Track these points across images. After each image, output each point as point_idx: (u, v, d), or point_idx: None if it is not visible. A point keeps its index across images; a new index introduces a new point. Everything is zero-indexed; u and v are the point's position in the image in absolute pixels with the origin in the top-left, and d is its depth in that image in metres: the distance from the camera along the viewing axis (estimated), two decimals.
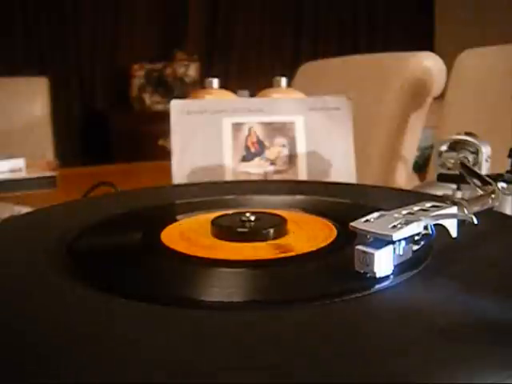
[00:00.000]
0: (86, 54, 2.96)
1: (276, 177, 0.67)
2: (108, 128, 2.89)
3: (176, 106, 0.67)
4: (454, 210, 0.32)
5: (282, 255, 0.33)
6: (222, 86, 0.77)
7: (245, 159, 0.67)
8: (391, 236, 0.28)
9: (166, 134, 0.69)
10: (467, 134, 0.52)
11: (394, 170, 1.03)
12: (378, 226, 0.29)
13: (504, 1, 2.91)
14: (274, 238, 0.35)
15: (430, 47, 3.04)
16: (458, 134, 0.52)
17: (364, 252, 0.28)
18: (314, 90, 0.85)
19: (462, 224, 0.32)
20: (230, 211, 0.39)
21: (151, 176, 1.15)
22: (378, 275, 0.28)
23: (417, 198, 0.34)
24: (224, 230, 0.36)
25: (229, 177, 0.66)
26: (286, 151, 0.67)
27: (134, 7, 3.02)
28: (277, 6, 3.29)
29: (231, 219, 0.37)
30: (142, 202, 0.47)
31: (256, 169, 0.67)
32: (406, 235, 0.29)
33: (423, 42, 3.11)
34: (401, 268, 0.29)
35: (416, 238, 0.29)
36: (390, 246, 0.28)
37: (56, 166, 1.13)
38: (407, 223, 0.29)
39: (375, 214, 0.30)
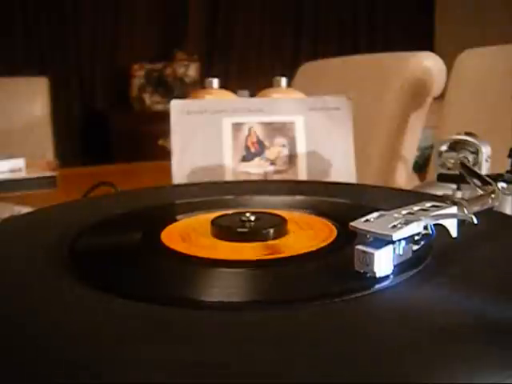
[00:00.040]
0: (86, 54, 2.96)
1: (276, 177, 0.67)
2: (108, 128, 2.89)
3: (176, 105, 0.67)
4: (453, 209, 0.32)
5: (270, 257, 0.32)
6: (222, 86, 0.77)
7: (245, 159, 0.67)
8: (391, 236, 0.28)
9: (166, 134, 0.69)
10: (467, 133, 0.52)
11: (394, 170, 1.03)
12: (377, 226, 0.29)
13: (504, 1, 2.91)
14: (274, 238, 0.35)
15: (430, 47, 3.04)
16: (458, 133, 0.52)
17: (364, 252, 0.28)
18: (314, 89, 0.85)
19: (462, 224, 0.32)
20: (230, 211, 0.39)
21: (151, 176, 1.15)
22: (377, 275, 0.28)
23: (417, 197, 0.34)
24: (224, 230, 0.36)
25: (229, 177, 0.66)
26: (286, 151, 0.67)
27: (134, 7, 3.02)
28: (277, 6, 3.29)
29: (231, 219, 0.37)
30: (142, 202, 0.47)
31: (256, 169, 0.67)
32: (406, 235, 0.29)
33: (423, 41, 3.11)
34: (401, 268, 0.29)
35: (416, 237, 0.29)
36: (390, 246, 0.28)
37: (56, 166, 1.13)
38: (407, 223, 0.29)
39: (375, 214, 0.30)
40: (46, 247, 0.35)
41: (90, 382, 0.21)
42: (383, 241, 0.28)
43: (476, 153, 0.51)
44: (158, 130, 0.99)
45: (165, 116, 0.67)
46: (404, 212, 0.30)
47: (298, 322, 0.25)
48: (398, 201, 0.34)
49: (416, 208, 0.31)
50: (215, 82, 0.76)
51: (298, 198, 0.48)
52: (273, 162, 0.67)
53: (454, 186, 0.52)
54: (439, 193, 0.51)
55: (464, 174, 0.46)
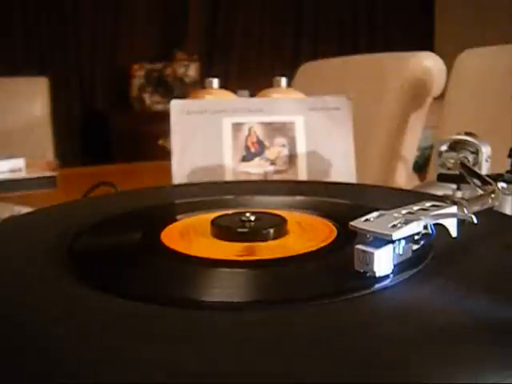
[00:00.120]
0: (86, 54, 2.96)
1: (276, 177, 0.67)
2: (108, 128, 2.89)
3: (176, 105, 0.67)
4: (453, 209, 0.32)
5: (248, 258, 0.32)
6: (222, 86, 0.77)
7: (245, 159, 0.67)
8: (391, 235, 0.28)
9: (166, 134, 0.69)
10: (467, 133, 0.52)
11: (394, 170, 1.03)
12: (377, 226, 0.29)
13: (504, 1, 2.91)
14: (274, 238, 0.35)
15: (430, 47, 3.05)
16: (458, 133, 0.52)
17: (364, 251, 0.28)
18: (314, 90, 0.85)
19: (461, 224, 0.32)
20: (230, 211, 0.39)
21: (151, 176, 1.15)
22: (377, 274, 0.28)
23: (417, 197, 0.34)
24: (224, 230, 0.36)
25: (229, 177, 0.66)
26: (286, 151, 0.67)
27: (134, 7, 3.02)
28: (277, 6, 3.29)
29: (231, 219, 0.37)
30: (142, 202, 0.47)
31: (256, 169, 0.67)
32: (406, 234, 0.29)
33: (423, 41, 3.12)
34: (400, 267, 0.29)
35: (416, 237, 0.29)
36: (390, 246, 0.28)
37: (56, 166, 1.13)
38: (407, 222, 0.29)
39: (375, 214, 0.30)
40: (45, 247, 0.35)
41: (90, 382, 0.21)
42: (383, 240, 0.28)
43: (476, 153, 0.51)
44: (157, 130, 0.99)
45: (165, 116, 0.67)
46: (404, 212, 0.30)
47: (298, 322, 0.25)
48: (397, 201, 0.34)
49: (416, 208, 0.31)
50: (215, 82, 0.76)
51: (298, 198, 0.48)
52: (273, 162, 0.67)
53: (454, 186, 0.52)
54: (439, 193, 0.51)
55: (464, 174, 0.46)
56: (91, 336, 0.24)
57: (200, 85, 2.26)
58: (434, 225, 0.30)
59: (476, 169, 0.46)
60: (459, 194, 0.51)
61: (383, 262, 0.28)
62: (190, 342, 0.23)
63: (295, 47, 3.31)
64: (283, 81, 0.78)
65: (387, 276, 0.28)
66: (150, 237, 0.36)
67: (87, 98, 3.02)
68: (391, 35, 3.42)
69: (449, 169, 0.52)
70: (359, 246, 0.28)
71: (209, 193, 0.49)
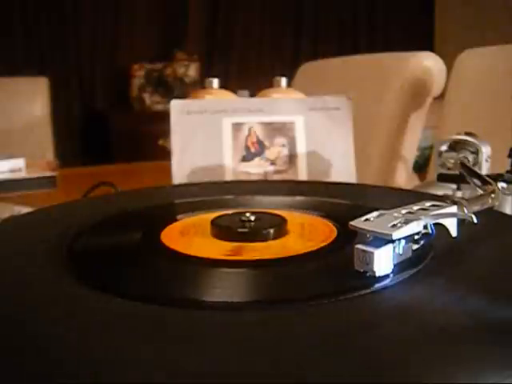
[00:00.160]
0: (86, 54, 2.96)
1: (276, 177, 0.67)
2: (108, 128, 2.89)
3: (176, 106, 0.67)
4: (453, 209, 0.32)
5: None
6: (222, 86, 0.77)
7: (245, 159, 0.67)
8: (391, 235, 0.28)
9: (166, 134, 0.69)
10: (467, 133, 0.52)
11: (394, 170, 1.03)
12: (377, 225, 0.29)
13: (504, 1, 2.91)
14: (274, 238, 0.35)
15: (430, 47, 3.05)
16: (458, 133, 0.52)
17: (364, 251, 0.28)
18: (314, 89, 0.85)
19: (461, 223, 0.32)
20: (230, 211, 0.39)
21: (151, 176, 1.15)
22: (377, 274, 0.28)
23: (417, 197, 0.34)
24: (224, 230, 0.36)
25: (229, 177, 0.66)
26: (285, 151, 0.67)
27: (134, 7, 3.02)
28: (277, 6, 3.29)
29: (231, 219, 0.37)
30: (142, 202, 0.47)
31: (256, 169, 0.67)
32: (406, 234, 0.29)
33: (423, 42, 3.12)
34: (400, 267, 0.29)
35: (416, 237, 0.29)
36: (390, 245, 0.28)
37: (56, 166, 1.13)
38: (407, 222, 0.29)
39: (375, 213, 0.30)
40: (45, 247, 0.35)
41: (90, 382, 0.21)
42: (383, 240, 0.28)
43: (476, 153, 0.51)
44: (158, 130, 0.99)
45: (165, 116, 0.67)
46: (404, 211, 0.30)
47: (297, 322, 0.25)
48: (397, 201, 0.34)
49: (416, 207, 0.31)
50: (215, 82, 0.76)
51: (298, 198, 0.48)
52: (273, 162, 0.67)
53: (454, 186, 0.52)
54: (439, 193, 0.51)
55: (464, 174, 0.46)
56: (91, 336, 0.24)
57: (200, 85, 2.26)
58: (434, 225, 0.30)
59: (476, 169, 0.46)
60: (459, 194, 0.51)
61: (383, 261, 0.28)
62: (190, 342, 0.23)
63: (295, 47, 3.31)
64: (283, 81, 0.78)
65: (387, 276, 0.28)
66: (150, 237, 0.36)
67: (87, 98, 3.01)
68: (391, 35, 3.42)
69: (449, 169, 0.52)
70: (359, 246, 0.28)
71: (209, 193, 0.49)
